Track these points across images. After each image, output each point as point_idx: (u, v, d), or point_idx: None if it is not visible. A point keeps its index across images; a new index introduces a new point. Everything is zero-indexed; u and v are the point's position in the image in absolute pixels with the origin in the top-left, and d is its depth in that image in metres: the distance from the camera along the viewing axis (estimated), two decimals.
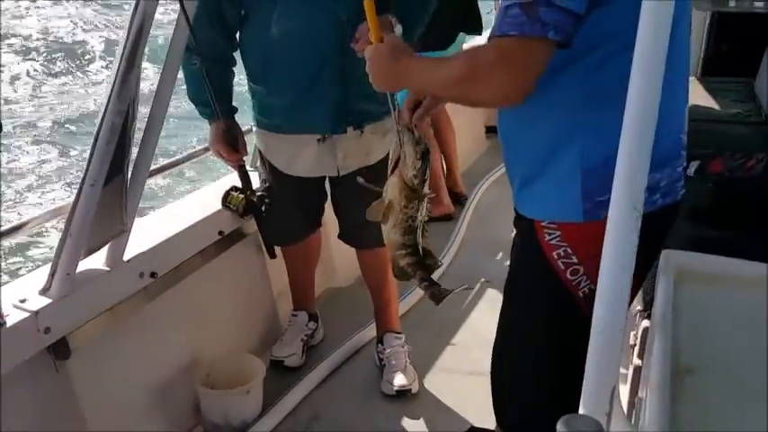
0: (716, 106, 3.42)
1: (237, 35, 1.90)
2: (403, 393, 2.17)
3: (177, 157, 2.23)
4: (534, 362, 1.28)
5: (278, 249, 2.27)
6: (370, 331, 2.41)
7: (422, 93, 1.30)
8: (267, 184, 2.07)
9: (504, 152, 1.29)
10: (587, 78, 1.10)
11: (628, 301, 0.90)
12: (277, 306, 2.46)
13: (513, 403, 1.34)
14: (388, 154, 1.99)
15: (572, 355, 1.19)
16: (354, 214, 2.05)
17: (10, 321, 1.46)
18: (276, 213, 2.09)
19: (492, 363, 1.38)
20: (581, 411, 0.91)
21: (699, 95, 3.64)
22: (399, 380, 2.17)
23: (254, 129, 2.02)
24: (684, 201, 2.26)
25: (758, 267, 1.05)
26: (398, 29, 1.80)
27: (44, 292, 1.56)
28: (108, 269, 1.70)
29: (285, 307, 2.45)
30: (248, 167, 2.09)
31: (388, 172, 1.32)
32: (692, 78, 4.31)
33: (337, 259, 2.71)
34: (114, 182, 1.66)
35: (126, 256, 1.74)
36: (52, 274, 1.56)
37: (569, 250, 1.15)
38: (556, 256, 1.17)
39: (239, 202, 2.03)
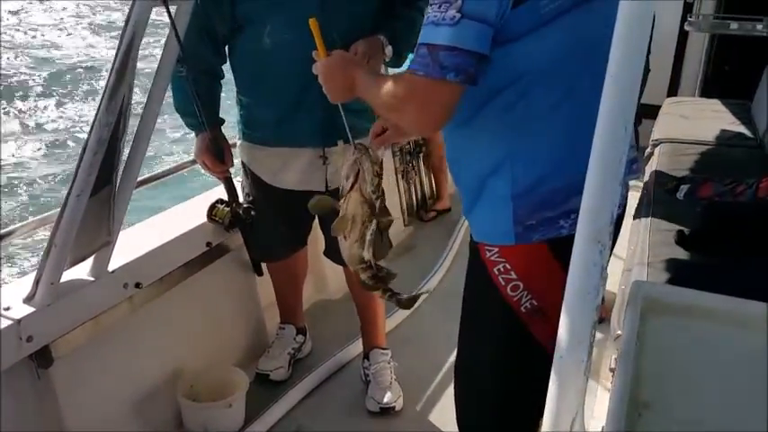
0: (712, 128, 3.43)
1: (227, 48, 1.91)
2: (387, 411, 2.17)
3: (164, 169, 2.24)
4: (480, 376, 1.34)
5: (265, 265, 2.28)
6: (358, 346, 2.41)
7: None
8: (251, 198, 2.08)
9: (452, 175, 1.35)
10: (510, 110, 1.15)
11: (590, 332, 0.91)
12: (265, 318, 2.46)
13: (464, 415, 1.38)
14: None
15: (516, 370, 1.25)
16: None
17: None
18: (261, 229, 2.10)
19: (455, 384, 1.42)
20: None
21: (697, 117, 3.65)
22: (384, 397, 2.17)
23: (239, 141, 2.03)
24: (673, 224, 2.27)
25: (728, 301, 1.06)
26: (389, 49, 1.82)
27: (28, 300, 1.58)
28: (92, 279, 1.71)
29: (273, 319, 2.45)
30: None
31: (347, 188, 1.34)
32: (690, 99, 4.33)
33: (328, 271, 2.72)
34: (102, 193, 1.67)
35: (111, 267, 1.75)
36: (36, 283, 1.57)
37: (508, 266, 1.21)
38: (496, 272, 1.22)
39: (225, 215, 2.04)
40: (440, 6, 1.02)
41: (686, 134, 3.33)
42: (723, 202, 2.28)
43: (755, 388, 0.92)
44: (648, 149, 3.33)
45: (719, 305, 1.07)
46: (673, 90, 4.79)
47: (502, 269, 1.21)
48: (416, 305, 1.64)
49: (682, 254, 2.05)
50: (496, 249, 1.22)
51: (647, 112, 3.91)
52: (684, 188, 2.47)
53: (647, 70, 2.63)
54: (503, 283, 1.21)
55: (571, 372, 0.91)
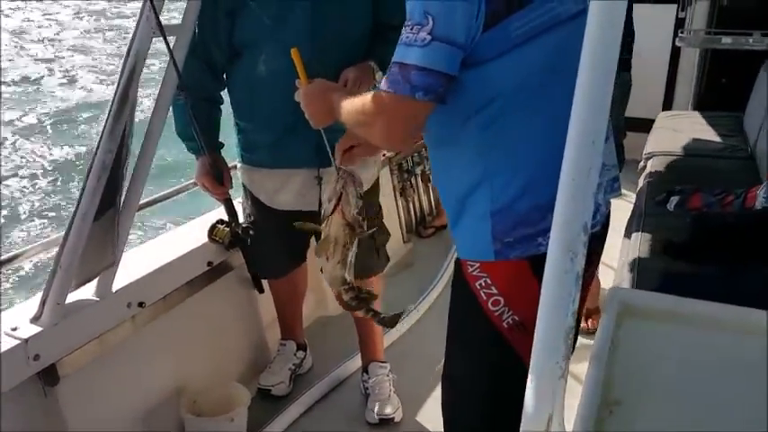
0: (705, 141, 3.48)
1: (225, 75, 1.99)
2: (386, 422, 2.21)
3: (166, 191, 2.31)
4: (465, 389, 1.37)
5: (265, 283, 2.34)
6: (357, 361, 2.46)
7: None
8: (252, 218, 2.14)
9: (439, 193, 1.39)
10: (486, 130, 1.20)
11: (563, 336, 0.96)
12: (267, 335, 2.52)
13: (452, 427, 1.42)
14: (373, 186, 2.10)
15: (499, 383, 1.29)
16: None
17: (1, 348, 1.53)
18: (261, 247, 2.16)
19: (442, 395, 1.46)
20: None
21: (690, 130, 3.70)
22: (383, 409, 2.22)
23: (239, 164, 2.10)
24: (663, 235, 2.32)
25: (703, 306, 1.10)
26: (380, 75, 1.89)
27: (35, 320, 1.64)
28: (97, 299, 1.77)
29: (275, 336, 2.50)
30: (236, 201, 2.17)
31: (329, 211, 1.40)
32: (683, 112, 4.39)
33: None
34: (106, 216, 1.74)
35: (114, 287, 1.82)
36: (43, 303, 1.64)
37: (489, 281, 1.25)
38: (478, 287, 1.26)
39: (224, 235, 2.10)
40: (412, 28, 1.08)
41: (678, 147, 3.39)
42: (711, 213, 2.33)
43: (727, 389, 0.96)
44: (642, 163, 3.39)
45: (694, 309, 1.11)
46: (667, 104, 4.85)
47: (483, 284, 1.25)
48: (402, 321, 1.69)
49: (670, 264, 2.09)
50: (478, 265, 1.26)
51: (641, 126, 3.98)
52: (675, 199, 2.52)
53: (628, 85, 2.69)
54: (484, 298, 1.25)
55: (545, 374, 0.97)
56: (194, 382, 2.13)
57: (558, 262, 0.96)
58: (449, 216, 1.33)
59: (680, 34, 4.13)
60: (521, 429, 0.96)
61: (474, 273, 1.26)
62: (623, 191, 3.70)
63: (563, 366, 1.00)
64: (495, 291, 1.24)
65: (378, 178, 2.16)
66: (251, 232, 2.11)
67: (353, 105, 1.24)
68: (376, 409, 2.22)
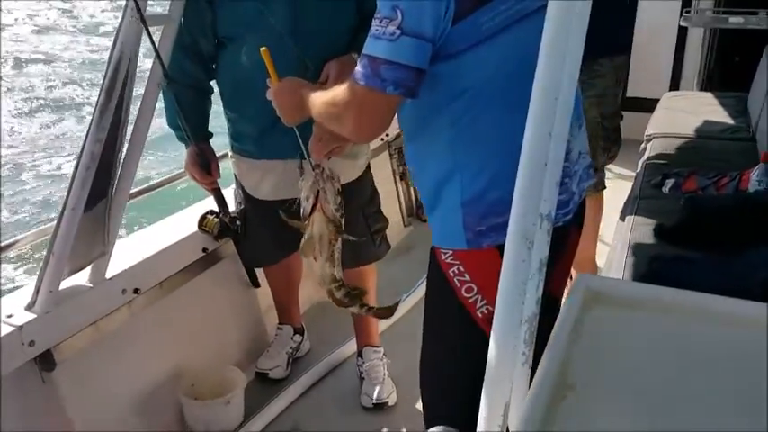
0: (707, 122, 3.44)
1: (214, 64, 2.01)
2: (380, 406, 2.25)
3: (155, 181, 2.35)
4: (442, 374, 1.39)
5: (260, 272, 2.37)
6: (354, 345, 2.49)
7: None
8: (242, 207, 2.17)
9: None
10: (456, 123, 1.21)
11: (527, 328, 0.98)
12: (265, 319, 2.56)
13: (430, 411, 1.45)
14: (360, 177, 2.11)
15: (475, 367, 1.31)
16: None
17: None
18: (252, 236, 2.19)
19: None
20: (479, 428, 1.00)
21: (694, 111, 3.66)
22: (377, 393, 2.25)
23: (230, 154, 2.12)
24: (656, 219, 2.32)
25: (669, 293, 1.11)
26: None
27: (29, 307, 1.69)
28: (90, 286, 1.82)
29: (273, 320, 2.54)
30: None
31: (308, 210, 1.41)
32: (688, 93, 4.33)
33: None
34: (98, 206, 1.78)
35: (108, 274, 1.86)
36: (36, 291, 1.68)
37: (462, 268, 1.27)
38: (452, 274, 1.28)
39: (214, 225, 2.13)
40: (381, 21, 1.09)
41: (680, 128, 3.35)
42: (703, 196, 2.32)
43: (688, 381, 0.97)
44: (642, 144, 3.36)
45: (662, 298, 1.12)
46: (674, 84, 4.80)
47: (456, 271, 1.27)
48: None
49: (662, 248, 2.09)
50: (450, 252, 1.28)
51: (646, 107, 3.94)
52: (670, 182, 2.51)
53: (625, 69, 2.67)
54: (458, 285, 1.28)
55: (502, 362, 0.99)
56: (192, 366, 2.18)
57: (515, 251, 0.98)
58: (425, 206, 1.35)
59: (684, 13, 4.08)
60: (479, 417, 0.99)
61: (447, 260, 1.28)
62: (628, 172, 3.66)
63: (526, 353, 1.02)
64: (467, 278, 1.27)
65: (369, 165, 2.17)
66: (238, 222, 2.14)
67: (324, 99, 1.26)
68: (370, 393, 2.26)
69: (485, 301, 1.27)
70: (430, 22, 1.09)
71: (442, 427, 1.26)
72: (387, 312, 1.57)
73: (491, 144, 1.22)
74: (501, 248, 1.25)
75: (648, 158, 3.03)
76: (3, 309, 1.66)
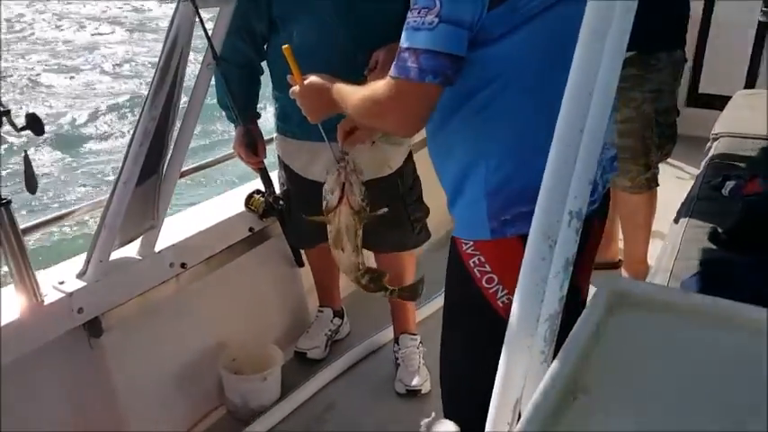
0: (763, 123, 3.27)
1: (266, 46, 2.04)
2: (413, 393, 2.26)
3: (207, 160, 2.42)
4: (457, 364, 1.39)
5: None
6: (392, 331, 2.51)
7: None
8: (285, 188, 2.21)
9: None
10: (483, 112, 1.21)
11: (548, 326, 0.97)
12: (307, 301, 2.61)
13: (450, 401, 1.46)
14: (403, 167, 2.11)
15: (491, 361, 1.31)
16: (372, 220, 2.17)
17: (47, 300, 1.67)
18: (296, 218, 2.23)
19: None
20: (487, 426, 1.00)
21: (763, 110, 3.48)
22: (410, 380, 2.27)
23: (275, 134, 2.16)
24: (712, 222, 2.23)
25: (698, 299, 1.08)
26: None
27: (80, 276, 1.77)
28: (139, 258, 1.90)
29: (314, 302, 2.59)
30: None
31: (334, 203, 1.42)
32: (762, 91, 4.11)
33: (370, 259, 2.83)
34: (150, 181, 1.85)
35: (157, 248, 1.93)
36: (88, 261, 1.77)
37: (482, 259, 1.27)
38: (472, 265, 1.29)
39: (260, 205, 2.18)
40: (419, 12, 1.10)
41: (749, 128, 3.19)
42: (764, 200, 2.21)
43: (711, 391, 0.94)
44: (708, 143, 3.22)
45: (691, 303, 1.09)
46: (750, 82, 4.57)
47: (477, 262, 1.28)
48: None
49: (712, 252, 2.01)
50: (471, 243, 1.28)
51: (719, 105, 3.76)
52: (730, 184, 2.40)
53: (681, 63, 2.56)
54: (478, 275, 1.28)
55: (516, 357, 0.98)
56: (233, 341, 2.25)
57: (535, 249, 0.97)
58: (447, 196, 1.35)
59: (763, 9, 3.87)
60: (489, 411, 0.99)
61: (468, 251, 1.29)
62: (694, 170, 3.48)
63: (545, 351, 1.01)
64: (488, 269, 1.27)
65: (411, 153, 2.17)
66: (281, 202, 2.18)
67: (361, 95, 1.26)
68: (404, 380, 2.27)
69: (505, 291, 1.27)
70: (468, 9, 1.10)
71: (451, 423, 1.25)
72: (410, 293, 1.58)
73: (519, 132, 1.21)
74: (525, 238, 1.25)
75: (712, 158, 2.90)
76: (55, 276, 1.75)
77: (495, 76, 1.18)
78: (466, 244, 1.29)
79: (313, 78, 1.44)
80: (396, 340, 2.39)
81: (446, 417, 1.47)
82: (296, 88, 1.46)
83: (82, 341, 1.82)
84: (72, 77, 9.71)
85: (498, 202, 1.24)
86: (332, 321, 2.52)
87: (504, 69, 1.17)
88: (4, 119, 1.45)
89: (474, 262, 1.28)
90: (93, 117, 8.17)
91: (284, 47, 1.47)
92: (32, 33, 11.90)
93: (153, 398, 2.01)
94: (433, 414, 2.14)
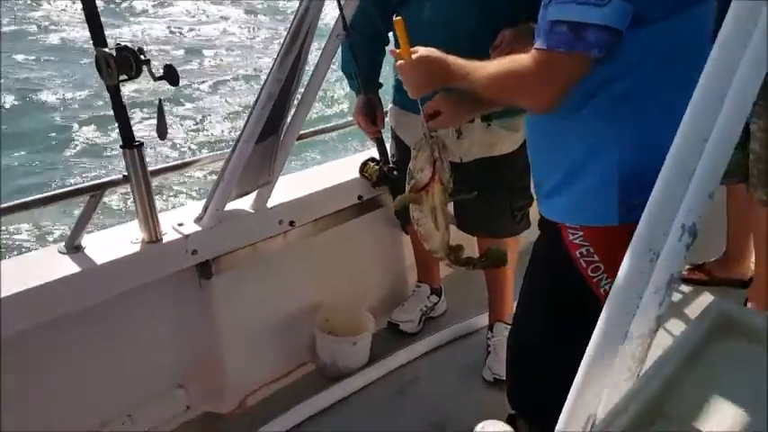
0: None
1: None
2: (500, 382, 2.23)
3: (326, 125, 2.47)
4: (554, 355, 1.35)
5: None
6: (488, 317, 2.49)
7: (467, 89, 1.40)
8: (395, 159, 2.22)
9: (531, 160, 1.40)
10: (623, 98, 1.19)
11: (621, 338, 0.92)
12: (408, 275, 2.63)
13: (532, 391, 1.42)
14: (515, 154, 2.06)
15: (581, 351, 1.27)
16: (471, 203, 2.14)
17: (166, 239, 1.81)
18: (403, 189, 2.24)
19: (512, 358, 1.51)
20: (558, 427, 0.96)
21: None
22: (499, 369, 2.23)
23: (390, 105, 2.17)
24: None
25: None
26: None
27: (197, 221, 1.90)
28: (252, 212, 2.00)
29: (414, 277, 2.61)
30: None
31: (424, 181, 1.40)
32: None
33: (464, 242, 2.80)
34: (269, 140, 1.93)
35: (269, 204, 2.03)
36: (205, 208, 1.89)
37: (591, 250, 1.26)
38: (578, 255, 1.28)
39: (374, 173, 2.21)
40: None
41: None
42: None
43: None
44: None
45: None
46: None
47: (585, 252, 1.27)
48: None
49: None
50: (580, 233, 1.27)
51: None
52: None
53: None
54: (584, 265, 1.28)
55: (597, 371, 0.94)
56: (330, 302, 2.32)
57: (635, 261, 0.92)
58: (551, 182, 1.33)
59: None
60: (560, 418, 0.95)
61: (576, 241, 1.27)
62: None
63: (632, 369, 0.96)
64: (596, 259, 1.26)
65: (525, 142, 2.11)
66: (395, 173, 2.19)
67: (496, 69, 1.26)
68: (493, 368, 2.25)
69: (609, 280, 1.25)
70: None
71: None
72: (498, 257, 1.57)
73: (656, 120, 1.17)
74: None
75: None
76: (175, 217, 1.89)
77: (645, 60, 1.16)
78: (573, 234, 1.28)
79: (425, 51, 1.43)
80: (490, 327, 2.37)
81: (518, 402, 1.44)
82: (403, 61, 1.45)
83: (193, 281, 1.96)
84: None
85: (630, 187, 1.22)
86: (428, 298, 2.53)
87: (654, 54, 1.15)
88: (144, 67, 1.57)
89: (581, 252, 1.27)
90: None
91: (396, 19, 1.44)
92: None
93: (250, 342, 2.13)
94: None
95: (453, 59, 1.36)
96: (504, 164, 2.06)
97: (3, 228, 4.68)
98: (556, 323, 1.37)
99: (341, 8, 1.79)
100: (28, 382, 1.69)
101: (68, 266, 1.67)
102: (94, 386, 1.80)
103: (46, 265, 1.67)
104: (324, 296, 2.32)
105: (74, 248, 1.72)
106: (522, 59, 1.20)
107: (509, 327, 2.33)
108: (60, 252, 1.72)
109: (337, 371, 2.23)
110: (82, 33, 9.30)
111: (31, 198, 1.73)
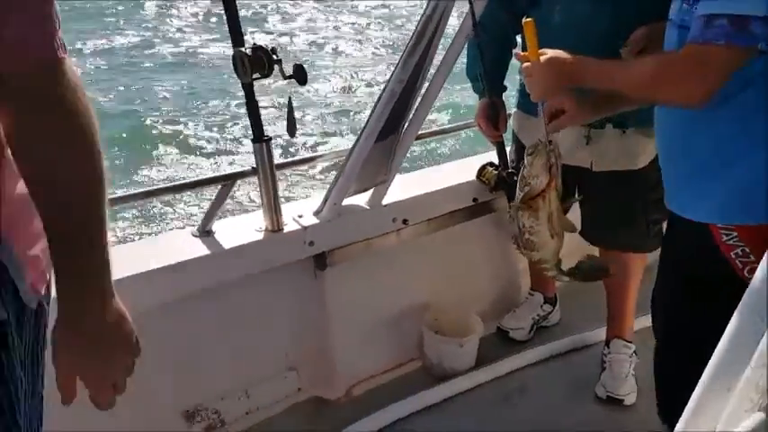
0: None
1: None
2: (614, 401, 2.14)
3: (446, 126, 2.47)
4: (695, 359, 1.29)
5: None
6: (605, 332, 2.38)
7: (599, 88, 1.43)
8: (515, 164, 2.18)
9: (661, 150, 1.37)
10: None
11: (746, 362, 0.85)
12: (520, 280, 2.59)
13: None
14: (650, 163, 1.96)
15: None
16: (601, 213, 2.05)
17: (286, 229, 1.91)
18: None
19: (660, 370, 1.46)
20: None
21: None
22: (614, 387, 2.15)
23: (514, 109, 2.13)
24: None
25: None
26: None
27: (316, 213, 1.98)
28: (368, 208, 2.05)
29: (527, 284, 2.56)
30: None
31: (540, 187, 1.36)
32: None
33: (587, 250, 2.69)
34: (388, 139, 1.98)
35: (384, 201, 2.07)
36: (324, 201, 1.97)
37: (747, 250, 1.22)
38: (733, 256, 1.24)
39: (492, 177, 2.18)
40: None
41: None
42: None
43: None
44: None
45: None
46: None
47: (740, 252, 1.23)
48: None
49: None
50: (734, 233, 1.22)
51: None
52: None
53: None
54: (740, 266, 1.24)
55: (711, 397, 0.88)
56: (439, 302, 2.33)
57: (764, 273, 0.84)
58: (686, 174, 1.30)
59: None
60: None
61: (730, 242, 1.23)
62: None
63: (754, 400, 0.89)
64: (752, 259, 1.22)
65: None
66: (514, 178, 2.16)
67: (643, 65, 1.27)
68: (607, 385, 2.16)
69: None
70: None
71: None
72: (584, 274, 1.51)
73: None
74: None
75: None
76: (295, 209, 1.98)
77: None
78: (727, 235, 1.24)
79: (553, 53, 1.42)
80: (607, 343, 2.27)
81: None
82: (529, 63, 1.43)
83: (308, 270, 2.04)
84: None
85: None
86: (542, 307, 2.47)
87: None
88: (276, 66, 1.66)
89: (737, 253, 1.23)
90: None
91: (526, 21, 1.44)
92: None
93: (359, 334, 2.19)
94: None
95: (584, 59, 1.36)
96: (639, 175, 1.97)
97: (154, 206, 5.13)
98: (710, 330, 1.31)
99: (471, 7, 1.79)
100: (160, 351, 1.83)
101: (200, 248, 1.80)
102: (217, 360, 1.93)
103: (180, 246, 1.81)
104: (433, 295, 2.34)
105: (205, 232, 1.86)
106: (671, 55, 1.21)
107: (627, 344, 2.23)
108: (194, 235, 1.86)
109: (443, 371, 2.24)
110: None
111: (171, 184, 1.88)
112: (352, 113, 7.70)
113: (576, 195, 1.94)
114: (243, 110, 1.81)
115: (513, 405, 2.17)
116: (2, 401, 0.88)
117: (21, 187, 0.87)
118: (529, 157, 1.45)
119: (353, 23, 11.61)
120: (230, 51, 1.68)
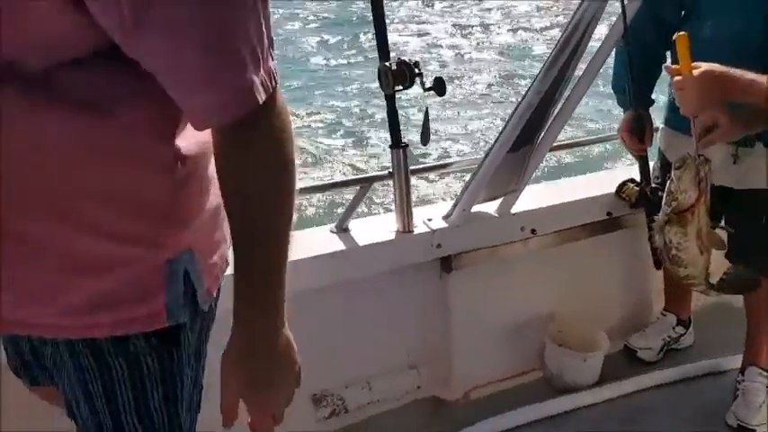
0: None
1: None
2: (746, 430, 2.03)
3: (581, 138, 2.43)
4: None
5: None
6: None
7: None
8: (659, 181, 2.11)
9: None
10: None
11: None
12: (652, 299, 2.50)
13: None
14: None
15: None
16: (745, 234, 1.95)
17: (416, 231, 1.99)
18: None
19: None
20: None
21: None
22: (746, 417, 2.04)
23: (661, 126, 2.07)
24: None
25: None
26: None
27: (445, 218, 2.04)
28: (496, 216, 2.08)
29: (660, 304, 2.46)
30: None
31: (689, 202, 1.32)
32: None
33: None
34: (523, 149, 2.00)
35: (513, 210, 2.09)
36: (454, 206, 2.02)
37: None
38: None
39: (633, 194, 2.11)
40: None
41: None
42: None
43: None
44: None
45: None
46: None
47: None
48: None
49: None
50: None
51: None
52: None
53: None
54: None
55: None
56: (564, 315, 2.31)
57: None
58: None
59: None
60: None
61: None
62: None
63: None
64: None
65: None
66: (660, 193, 2.10)
67: None
68: (738, 413, 2.06)
69: None
70: None
71: None
72: (731, 285, 1.45)
73: None
74: None
75: None
76: (426, 213, 2.06)
77: None
78: None
79: (708, 66, 1.40)
80: (742, 370, 2.15)
81: None
82: (681, 77, 1.41)
83: (435, 272, 2.11)
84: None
85: None
86: (674, 329, 2.38)
87: None
88: (417, 79, 1.75)
89: None
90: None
91: (679, 34, 1.42)
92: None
93: (480, 338, 2.21)
94: None
95: (736, 72, 1.34)
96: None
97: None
98: None
99: (623, 8, 1.78)
100: (294, 336, 1.98)
101: (337, 244, 1.93)
102: (343, 350, 2.04)
103: (319, 241, 1.95)
104: (558, 307, 2.32)
105: (342, 230, 1.98)
106: None
107: (764, 372, 2.11)
108: (332, 231, 1.99)
109: (563, 384, 2.22)
110: None
111: (315, 185, 2.02)
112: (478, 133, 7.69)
113: (723, 222, 1.87)
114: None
115: (637, 426, 2.11)
116: (168, 393, 0.95)
117: (212, 201, 0.93)
118: (677, 171, 1.42)
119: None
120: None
